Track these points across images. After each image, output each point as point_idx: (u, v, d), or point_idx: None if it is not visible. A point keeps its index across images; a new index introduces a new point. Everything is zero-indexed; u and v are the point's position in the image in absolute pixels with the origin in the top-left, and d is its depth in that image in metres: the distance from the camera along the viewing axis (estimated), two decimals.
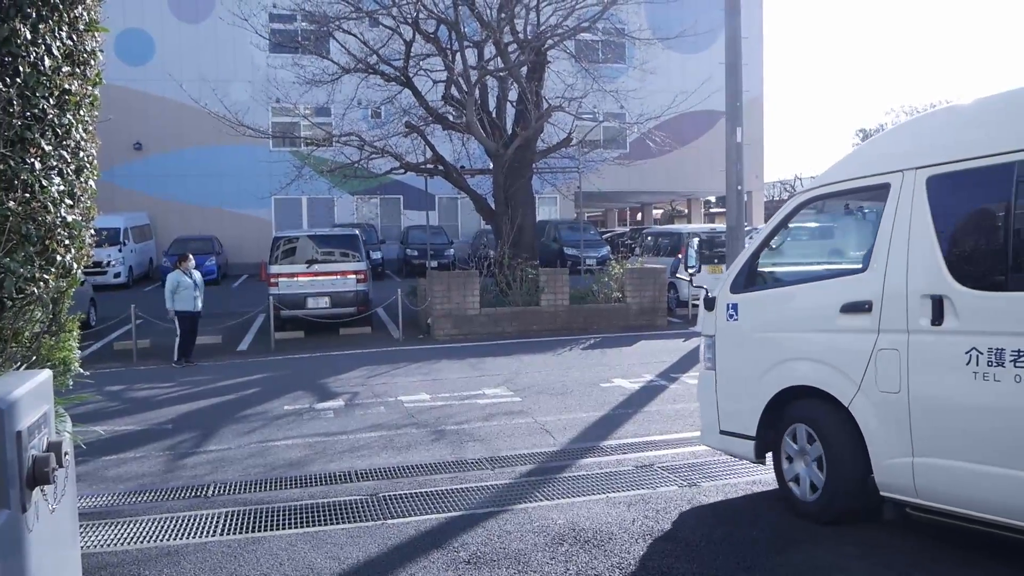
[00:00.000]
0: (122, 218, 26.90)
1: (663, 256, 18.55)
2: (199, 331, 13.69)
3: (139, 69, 30.20)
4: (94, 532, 5.54)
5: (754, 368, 5.51)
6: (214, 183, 30.79)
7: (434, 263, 24.08)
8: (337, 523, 5.58)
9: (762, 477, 6.28)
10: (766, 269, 5.82)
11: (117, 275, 24.96)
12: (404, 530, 5.37)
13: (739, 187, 15.67)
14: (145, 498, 6.40)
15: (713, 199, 49.40)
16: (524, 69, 16.94)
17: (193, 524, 5.66)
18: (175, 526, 5.63)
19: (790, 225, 5.69)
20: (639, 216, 53.29)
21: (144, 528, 5.62)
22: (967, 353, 4.23)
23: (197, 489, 6.55)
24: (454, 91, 16.93)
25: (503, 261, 15.98)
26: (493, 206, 17.57)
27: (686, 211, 47.10)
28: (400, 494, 6.18)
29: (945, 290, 4.37)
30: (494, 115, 17.70)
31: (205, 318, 16.45)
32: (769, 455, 5.64)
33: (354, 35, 16.80)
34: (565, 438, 7.84)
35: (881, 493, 4.79)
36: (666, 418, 8.54)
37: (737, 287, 5.73)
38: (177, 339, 13.20)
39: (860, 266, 4.97)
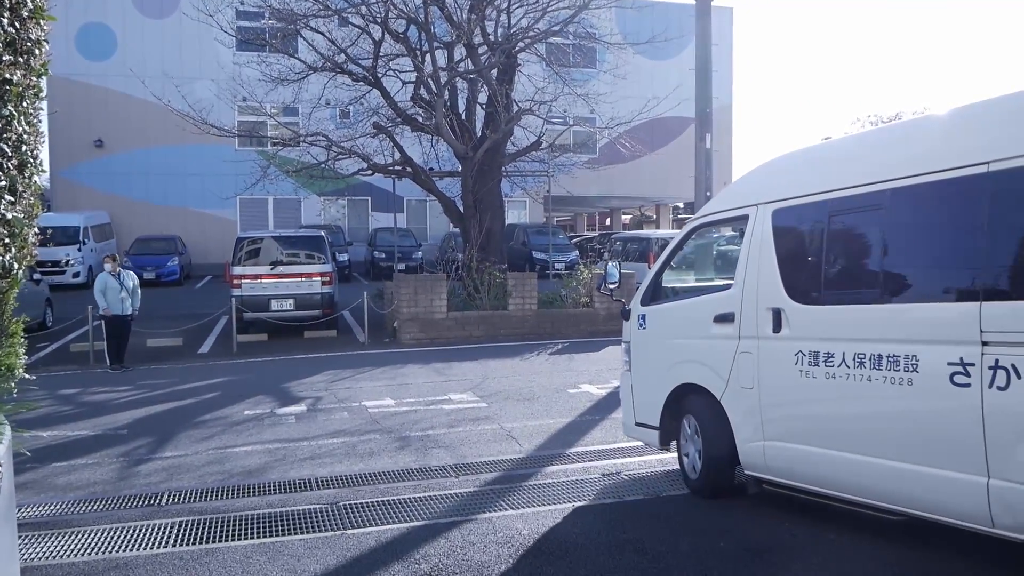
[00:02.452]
0: (82, 216, 26.33)
1: (632, 261, 18.53)
2: (131, 334, 13.15)
3: (101, 64, 29.62)
4: (38, 543, 5.31)
5: (658, 369, 6.41)
6: (178, 182, 30.28)
7: (401, 266, 23.87)
8: (295, 533, 5.40)
9: (736, 484, 6.21)
10: (668, 285, 6.77)
11: (76, 275, 24.39)
12: (364, 541, 5.21)
13: (708, 193, 15.69)
14: (95, 507, 6.16)
15: (682, 205, 49.66)
16: (494, 71, 16.82)
17: (145, 535, 5.45)
18: (126, 537, 5.42)
19: (684, 248, 6.65)
20: (608, 221, 53.40)
21: (93, 539, 5.40)
22: (795, 355, 5.12)
23: (151, 498, 6.33)
24: (423, 92, 16.75)
25: (471, 265, 15.84)
26: (462, 209, 17.42)
27: (655, 216, 47.30)
28: (361, 503, 6.02)
29: (782, 304, 5.27)
30: (463, 117, 17.55)
31: (167, 320, 16.15)
32: (674, 443, 6.42)
33: (322, 33, 16.56)
34: (531, 445, 7.72)
35: (745, 471, 5.68)
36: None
37: (645, 300, 6.63)
38: (105, 343, 12.76)
39: (730, 283, 5.82)
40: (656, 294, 6.62)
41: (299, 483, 6.61)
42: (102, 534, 5.48)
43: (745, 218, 5.70)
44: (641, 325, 6.63)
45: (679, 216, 52.50)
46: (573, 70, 19.58)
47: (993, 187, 4.13)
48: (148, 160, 30.12)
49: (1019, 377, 3.92)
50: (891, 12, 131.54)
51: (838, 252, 5.15)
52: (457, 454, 7.43)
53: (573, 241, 33.28)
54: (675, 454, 6.46)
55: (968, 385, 4.15)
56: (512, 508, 5.84)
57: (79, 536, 5.45)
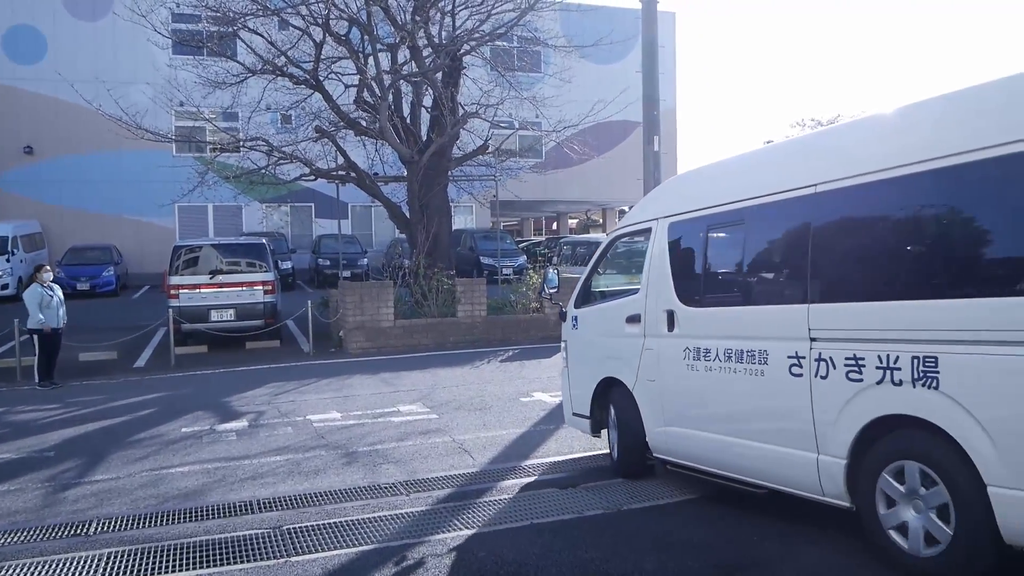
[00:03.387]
0: (11, 226, 25.23)
1: (582, 265, 18.39)
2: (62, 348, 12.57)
3: (29, 68, 28.50)
4: None
5: (587, 364, 7.15)
6: (113, 189, 29.25)
7: (347, 273, 23.38)
8: (235, 562, 5.04)
9: (692, 498, 6.04)
10: (596, 289, 7.39)
11: (4, 287, 23.34)
12: (309, 569, 4.88)
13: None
14: (15, 539, 5.70)
15: (628, 208, 49.89)
16: (439, 74, 16.54)
17: (69, 569, 5.03)
18: (48, 571, 5.00)
19: (608, 255, 7.30)
20: (555, 225, 53.47)
21: (11, 575, 4.96)
22: (684, 351, 5.83)
23: (78, 526, 5.89)
24: (367, 95, 16.39)
25: (418, 271, 15.51)
26: (408, 214, 17.08)
27: (601, 221, 47.48)
28: (306, 526, 5.67)
29: (674, 306, 5.97)
30: (408, 121, 17.22)
31: (101, 332, 15.46)
32: (604, 431, 7.09)
33: (261, 35, 16.08)
34: (485, 458, 7.45)
35: (653, 454, 6.34)
36: (588, 436, 8.23)
37: (577, 303, 7.33)
38: (35, 359, 12.08)
39: (638, 288, 6.49)
40: (586, 297, 7.33)
41: (240, 506, 6.23)
42: (21, 569, 5.05)
43: (649, 230, 6.44)
44: (574, 325, 7.40)
45: None
46: (519, 73, 19.40)
47: (814, 208, 4.94)
48: (81, 167, 29.04)
49: (834, 367, 4.68)
50: (830, 17, 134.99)
51: (713, 261, 5.94)
52: (408, 469, 7.12)
53: (521, 246, 33.12)
54: (607, 443, 7.00)
55: (801, 375, 4.90)
56: (467, 527, 5.56)
57: None
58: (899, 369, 4.34)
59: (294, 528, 5.63)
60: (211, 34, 18.10)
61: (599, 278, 7.50)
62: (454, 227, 22.77)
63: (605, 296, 7.26)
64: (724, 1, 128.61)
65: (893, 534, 4.41)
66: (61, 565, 5.10)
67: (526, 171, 24.35)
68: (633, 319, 6.40)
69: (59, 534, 5.76)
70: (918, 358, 4.24)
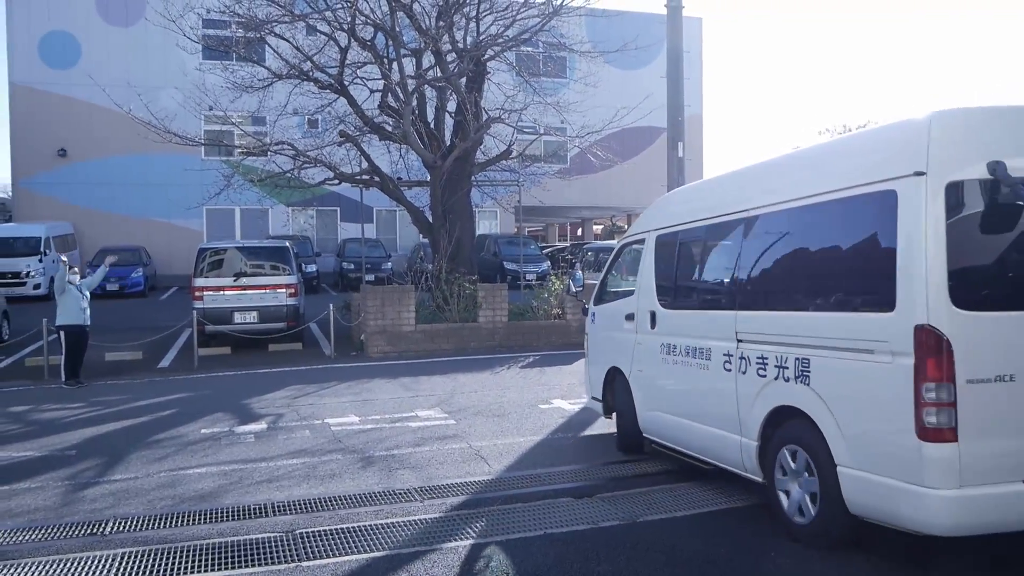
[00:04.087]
0: (44, 227, 25.67)
1: None
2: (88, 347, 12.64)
3: (64, 73, 28.98)
4: None
5: (600, 354, 8.16)
6: (143, 192, 29.67)
7: (370, 277, 23.47)
8: (246, 566, 5.06)
9: (711, 511, 5.96)
10: (608, 289, 8.28)
11: (37, 286, 23.70)
12: (319, 574, 4.87)
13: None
14: (33, 536, 5.76)
15: None
16: (463, 79, 16.56)
17: (83, 568, 5.07)
18: (63, 570, 5.04)
19: (619, 259, 8.21)
20: (579, 231, 53.31)
21: (27, 572, 5.02)
22: (660, 346, 6.83)
23: (94, 525, 5.93)
24: (391, 100, 16.45)
25: (440, 276, 15.51)
26: (431, 219, 17.11)
27: (626, 227, 47.27)
28: (319, 531, 5.67)
29: (655, 308, 7.00)
30: (432, 126, 17.26)
31: (128, 332, 15.65)
32: (615, 414, 7.96)
33: (287, 40, 16.21)
34: (501, 465, 7.42)
35: (643, 434, 7.32)
36: (607, 444, 8.17)
37: (596, 301, 8.39)
38: (63, 357, 12.17)
39: (634, 290, 7.53)
40: (601, 296, 8.30)
41: (254, 509, 6.25)
42: (36, 567, 5.09)
43: (643, 240, 7.47)
44: (592, 320, 8.47)
45: None
46: (543, 79, 19.37)
47: (740, 230, 5.95)
48: (112, 170, 29.49)
49: (750, 365, 5.58)
50: (859, 22, 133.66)
51: (681, 270, 6.92)
52: (423, 476, 7.11)
53: (544, 251, 33.06)
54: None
55: (730, 370, 5.81)
56: (481, 536, 5.52)
57: (11, 570, 5.06)
58: (787, 368, 5.21)
59: (307, 532, 5.63)
60: (239, 39, 18.28)
61: (611, 279, 8.36)
62: (477, 232, 22.79)
63: (614, 296, 8.15)
64: (752, 6, 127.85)
65: (782, 499, 5.32)
66: (76, 564, 5.14)
67: (550, 176, 24.31)
68: (629, 317, 7.45)
69: (76, 533, 5.80)
70: (799, 359, 5.12)
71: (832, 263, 5.12)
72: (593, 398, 8.35)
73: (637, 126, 23.20)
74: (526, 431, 8.68)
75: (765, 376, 5.40)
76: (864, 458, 4.58)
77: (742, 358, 5.67)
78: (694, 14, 36.12)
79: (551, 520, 5.82)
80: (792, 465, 5.19)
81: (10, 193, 32.80)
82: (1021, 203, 4.27)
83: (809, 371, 5.01)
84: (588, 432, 8.65)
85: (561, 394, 10.67)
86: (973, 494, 4.16)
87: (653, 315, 6.97)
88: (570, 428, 8.82)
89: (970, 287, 4.30)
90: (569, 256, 31.30)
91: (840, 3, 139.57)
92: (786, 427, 5.25)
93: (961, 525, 4.21)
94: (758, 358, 5.47)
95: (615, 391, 7.75)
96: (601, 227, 54.94)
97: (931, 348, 4.21)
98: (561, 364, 13.21)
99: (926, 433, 4.21)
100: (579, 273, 9.55)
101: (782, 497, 5.30)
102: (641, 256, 7.41)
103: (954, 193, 4.32)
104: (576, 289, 9.26)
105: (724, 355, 5.85)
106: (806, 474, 5.05)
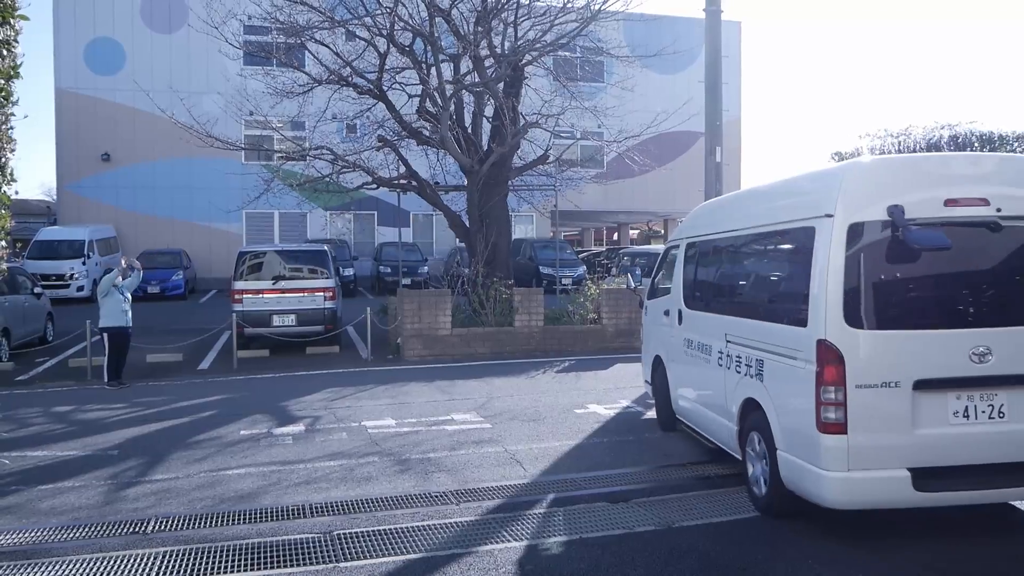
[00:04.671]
0: (87, 230, 26.20)
1: (641, 276, 18.17)
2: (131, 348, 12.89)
3: (108, 79, 29.58)
4: (12, 575, 5.02)
5: (649, 342, 9.36)
6: (185, 196, 30.15)
7: (407, 280, 23.59)
8: (285, 566, 5.10)
9: (747, 517, 5.89)
10: (658, 287, 9.21)
11: (80, 288, 24.19)
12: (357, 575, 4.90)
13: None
14: (77, 534, 5.87)
15: None
16: (501, 84, 16.59)
17: (125, 566, 5.15)
18: (105, 568, 5.13)
19: (665, 260, 9.09)
20: (615, 236, 53.09)
21: (70, 570, 5.11)
22: (684, 340, 7.89)
23: (136, 524, 6.03)
24: (429, 105, 16.53)
25: (476, 280, 15.54)
26: (467, 223, 17.15)
27: (662, 231, 46.98)
28: (356, 532, 5.71)
29: (682, 307, 8.04)
30: (469, 131, 17.31)
31: (169, 334, 15.92)
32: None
33: (327, 46, 16.38)
34: (536, 469, 7.40)
35: (676, 415, 8.37)
36: (643, 449, 8.13)
37: (649, 296, 9.51)
38: (105, 359, 12.41)
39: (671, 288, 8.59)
40: (653, 292, 9.36)
41: (292, 510, 6.31)
42: (80, 564, 5.19)
43: (678, 246, 8.46)
44: (645, 312, 9.61)
45: None
46: (580, 83, 19.34)
47: (730, 246, 7.22)
48: (155, 174, 30.03)
49: (733, 362, 6.53)
50: (898, 25, 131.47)
51: (698, 276, 7.85)
52: (459, 479, 7.12)
53: (580, 256, 32.96)
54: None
55: (722, 365, 6.78)
56: (515, 540, 5.52)
57: (56, 566, 5.16)
58: (751, 367, 6.18)
59: (344, 534, 5.67)
60: (280, 45, 18.52)
61: (660, 278, 9.22)
62: (514, 236, 22.79)
63: (659, 293, 9.10)
64: (791, 10, 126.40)
65: (749, 474, 6.22)
66: (118, 562, 5.23)
67: (586, 181, 24.23)
68: (667, 313, 8.53)
69: (118, 531, 5.91)
70: (757, 360, 6.10)
71: (776, 282, 6.36)
72: (646, 381, 9.58)
73: (675, 131, 23.01)
74: (561, 435, 8.65)
75: (740, 372, 6.40)
76: (790, 444, 5.56)
77: (728, 356, 6.67)
78: (733, 18, 35.85)
79: (586, 524, 5.79)
80: (756, 447, 6.12)
81: (55, 196, 33.55)
82: (910, 241, 5.09)
83: (763, 371, 6.01)
84: (623, 436, 8.59)
85: (596, 399, 10.61)
86: (858, 476, 5.09)
87: (680, 313, 8.07)
88: (605, 433, 8.77)
89: (861, 310, 5.19)
90: (605, 260, 31.20)
91: (880, 6, 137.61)
92: (752, 416, 6.20)
93: (849, 501, 5.19)
94: (737, 357, 6.49)
95: (659, 375, 8.82)
96: (637, 232, 54.68)
97: (828, 358, 5.16)
98: (597, 369, 13.15)
99: (824, 426, 5.15)
100: (638, 271, 11.11)
101: (749, 473, 6.21)
102: (676, 260, 8.42)
103: (855, 232, 5.22)
104: (635, 285, 10.27)
105: (719, 352, 6.87)
106: (764, 455, 5.95)
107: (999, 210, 5.26)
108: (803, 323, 5.39)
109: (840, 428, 5.09)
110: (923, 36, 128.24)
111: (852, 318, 5.16)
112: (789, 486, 5.56)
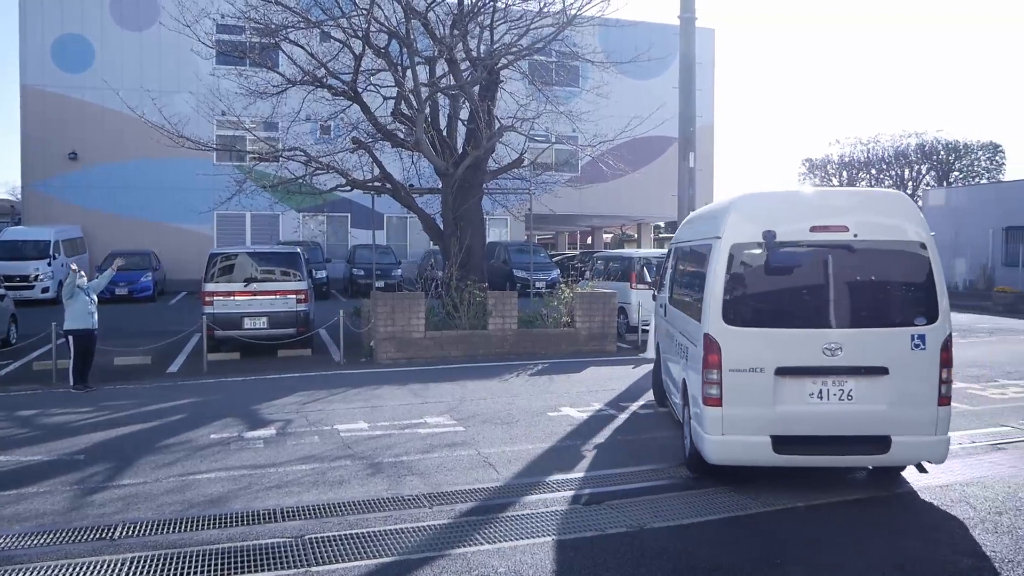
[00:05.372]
0: (53, 231, 25.79)
1: (614, 280, 18.27)
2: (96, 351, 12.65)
3: (77, 76, 29.17)
4: None
5: (656, 331, 10.87)
6: (154, 196, 29.79)
7: (380, 283, 23.49)
8: (255, 571, 5.05)
9: (720, 517, 5.92)
10: (662, 282, 10.18)
11: (45, 290, 23.83)
12: None
13: (691, 212, 15.49)
14: (42, 541, 5.75)
15: (663, 224, 49.60)
16: (476, 88, 16.58)
17: (92, 572, 5.07)
18: (71, 575, 5.03)
19: (667, 259, 10.07)
20: (589, 240, 53.29)
21: None
22: (666, 330, 9.17)
23: (103, 530, 5.93)
24: (404, 108, 16.47)
25: (450, 283, 15.50)
26: (442, 226, 17.11)
27: (636, 235, 47.23)
28: (328, 536, 5.66)
29: (666, 303, 9.21)
30: (444, 133, 17.28)
31: (137, 337, 15.69)
32: None
33: (302, 47, 16.26)
34: (509, 472, 7.39)
35: (665, 394, 9.59)
36: (615, 451, 8.15)
37: (657, 288, 10.67)
38: (71, 362, 12.16)
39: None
40: (659, 287, 10.45)
41: (263, 514, 6.23)
42: (44, 572, 5.09)
43: (672, 251, 9.52)
44: (654, 298, 10.93)
45: (660, 236, 52.54)
46: (556, 88, 19.38)
47: (683, 253, 8.62)
48: (124, 174, 29.64)
49: (681, 348, 7.82)
50: (871, 33, 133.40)
51: (675, 275, 8.97)
52: (431, 482, 7.09)
53: (554, 259, 33.03)
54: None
55: (677, 352, 8.07)
56: (488, 542, 5.50)
57: (19, 575, 5.05)
58: (685, 353, 7.53)
59: (316, 538, 5.62)
60: (253, 45, 18.36)
61: (663, 275, 10.21)
62: (488, 240, 22.78)
63: (660, 288, 10.26)
64: (765, 18, 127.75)
65: (685, 438, 7.55)
66: (85, 568, 5.14)
67: (561, 185, 24.29)
68: (662, 305, 9.81)
69: (85, 537, 5.81)
70: (686, 347, 7.46)
71: (697, 287, 7.36)
72: (650, 358, 11.76)
73: (649, 136, 23.14)
74: (535, 438, 8.65)
75: (684, 358, 7.58)
76: (695, 415, 6.95)
77: (679, 344, 7.91)
78: (707, 25, 36.18)
79: (559, 526, 5.80)
80: (688, 417, 7.37)
81: (20, 196, 33.00)
82: (770, 260, 6.48)
83: (687, 357, 7.40)
84: (596, 439, 8.61)
85: (570, 402, 10.63)
86: (730, 439, 6.50)
87: (664, 307, 9.40)
88: (578, 436, 8.78)
89: (736, 311, 6.55)
90: (579, 264, 31.28)
91: (853, 13, 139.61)
92: (687, 394, 7.45)
93: (723, 459, 6.57)
94: (681, 345, 7.79)
95: (658, 359, 10.15)
96: (611, 236, 54.88)
97: (710, 348, 6.56)
98: (570, 372, 13.17)
99: (706, 400, 6.57)
100: (654, 267, 13.23)
101: (684, 439, 7.57)
102: (668, 260, 9.70)
103: (736, 251, 6.61)
104: (649, 279, 12.05)
105: (678, 342, 8.07)
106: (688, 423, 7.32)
107: (856, 235, 6.49)
108: (700, 320, 6.82)
109: (717, 402, 6.48)
110: (894, 44, 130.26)
111: (728, 317, 6.54)
112: (696, 446, 6.93)
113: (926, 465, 6.77)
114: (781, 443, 6.41)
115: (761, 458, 6.46)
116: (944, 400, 6.39)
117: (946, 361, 6.41)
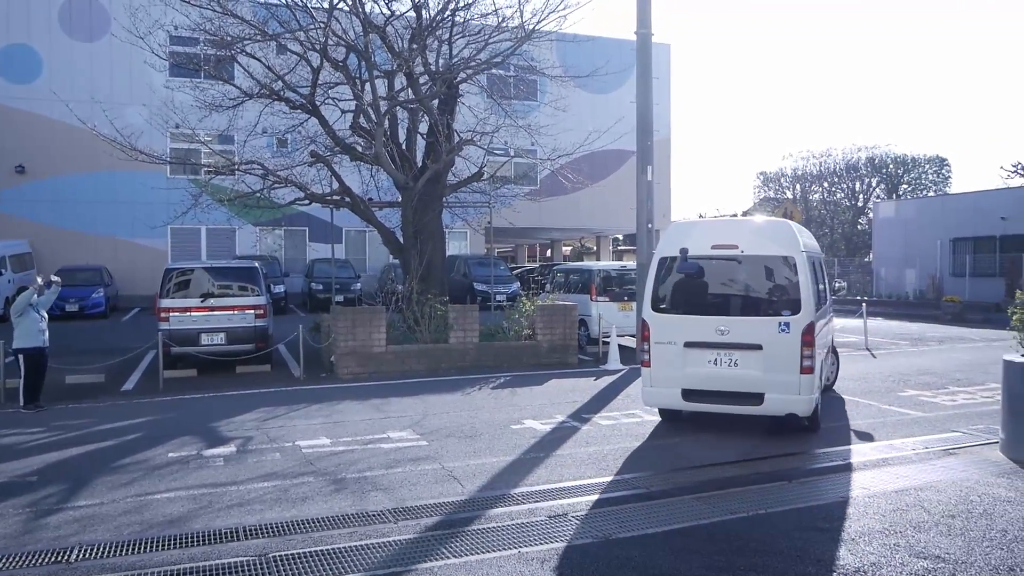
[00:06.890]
0: None
1: (575, 293, 18.38)
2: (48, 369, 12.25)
3: (24, 87, 28.57)
4: None
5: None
6: (106, 210, 29.26)
7: (340, 297, 23.31)
8: None
9: (684, 526, 5.98)
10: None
11: None
12: None
13: (649, 224, 15.69)
14: None
15: (621, 236, 50.04)
16: (435, 101, 16.61)
17: None
18: None
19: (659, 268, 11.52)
20: (548, 252, 53.50)
21: None
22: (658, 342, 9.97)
23: (58, 553, 5.78)
24: (363, 121, 16.43)
25: (411, 296, 15.45)
26: (402, 240, 17.06)
27: (595, 248, 47.56)
28: (292, 554, 5.59)
29: (647, 310, 9.60)
30: (404, 147, 17.26)
31: (90, 354, 15.34)
32: None
33: (258, 59, 16.13)
34: (474, 486, 7.38)
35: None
36: (579, 462, 8.19)
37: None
38: (21, 381, 11.82)
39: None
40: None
41: (225, 533, 6.13)
42: None
43: (656, 260, 9.95)
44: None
45: (618, 248, 52.97)
46: (515, 102, 19.50)
47: (664, 265, 9.69)
48: (73, 187, 29.06)
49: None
50: (823, 50, 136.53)
51: (658, 285, 9.64)
52: (396, 497, 7.04)
53: (515, 272, 33.11)
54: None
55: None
56: (454, 556, 5.49)
57: None
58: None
59: (280, 556, 5.55)
60: (208, 57, 18.17)
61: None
62: (448, 253, 22.76)
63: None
64: (719, 35, 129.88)
65: None
66: None
67: (520, 198, 24.41)
68: (640, 303, 11.82)
69: (39, 561, 5.65)
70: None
71: (663, 288, 9.53)
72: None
73: (607, 149, 23.45)
74: (498, 451, 8.65)
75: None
76: (643, 374, 9.46)
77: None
78: (663, 40, 36.71)
79: (525, 538, 5.80)
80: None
81: None
82: (679, 268, 9.26)
83: (647, 347, 9.45)
84: (560, 451, 8.63)
85: (533, 414, 10.65)
86: (654, 391, 9.35)
87: (648, 310, 10.13)
88: (542, 448, 8.80)
89: (659, 302, 9.43)
90: (539, 277, 31.39)
91: (805, 30, 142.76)
92: None
93: (651, 404, 9.60)
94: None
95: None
96: (570, 248, 55.19)
97: (644, 328, 9.44)
98: (532, 385, 13.20)
99: (642, 363, 9.42)
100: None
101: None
102: (650, 271, 10.62)
103: (662, 262, 9.51)
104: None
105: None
106: None
107: (743, 251, 9.09)
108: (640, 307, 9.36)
109: (648, 364, 9.35)
110: (846, 61, 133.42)
111: (654, 306, 9.42)
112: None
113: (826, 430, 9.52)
114: (688, 395, 9.08)
115: (675, 404, 9.26)
116: (806, 370, 8.55)
117: (808, 342, 8.56)
